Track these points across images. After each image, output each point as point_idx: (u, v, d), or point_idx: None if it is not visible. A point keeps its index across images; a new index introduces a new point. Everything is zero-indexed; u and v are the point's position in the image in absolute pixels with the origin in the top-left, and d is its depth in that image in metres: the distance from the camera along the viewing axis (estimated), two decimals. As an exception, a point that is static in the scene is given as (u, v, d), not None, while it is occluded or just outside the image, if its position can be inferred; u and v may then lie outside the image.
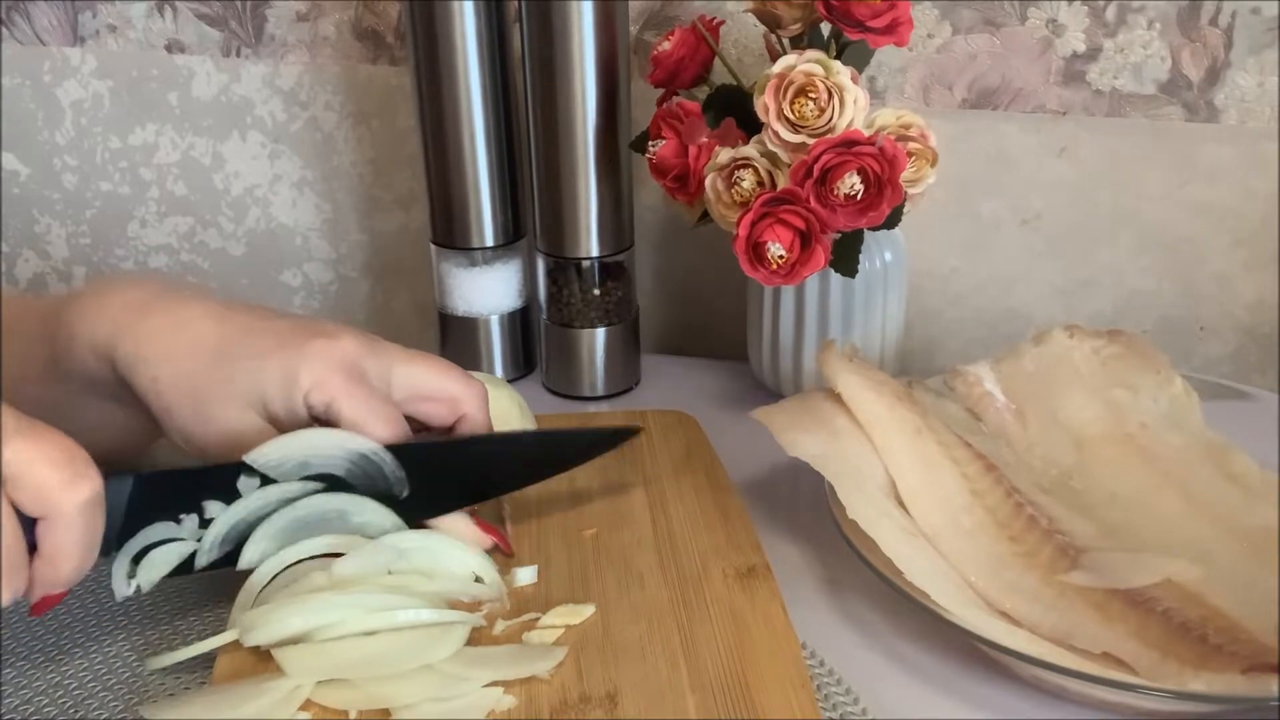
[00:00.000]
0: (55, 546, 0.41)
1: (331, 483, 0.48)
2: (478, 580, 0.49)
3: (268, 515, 0.48)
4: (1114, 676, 0.44)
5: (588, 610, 0.48)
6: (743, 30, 0.75)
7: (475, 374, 0.60)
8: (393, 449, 0.49)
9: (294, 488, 0.48)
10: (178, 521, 0.47)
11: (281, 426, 0.49)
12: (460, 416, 0.52)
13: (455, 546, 0.50)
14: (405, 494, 0.49)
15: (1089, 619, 0.47)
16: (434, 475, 0.50)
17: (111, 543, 0.45)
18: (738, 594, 0.49)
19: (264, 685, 0.43)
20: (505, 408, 0.58)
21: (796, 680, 0.44)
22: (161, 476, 0.47)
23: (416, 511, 0.50)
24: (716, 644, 0.46)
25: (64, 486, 0.40)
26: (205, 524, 0.47)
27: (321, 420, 0.49)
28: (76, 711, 0.46)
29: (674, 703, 0.43)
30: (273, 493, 0.48)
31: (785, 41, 0.63)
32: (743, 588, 0.49)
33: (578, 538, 0.54)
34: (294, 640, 0.45)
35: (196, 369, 0.48)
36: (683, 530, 0.54)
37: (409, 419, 0.51)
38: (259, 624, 0.45)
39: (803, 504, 0.61)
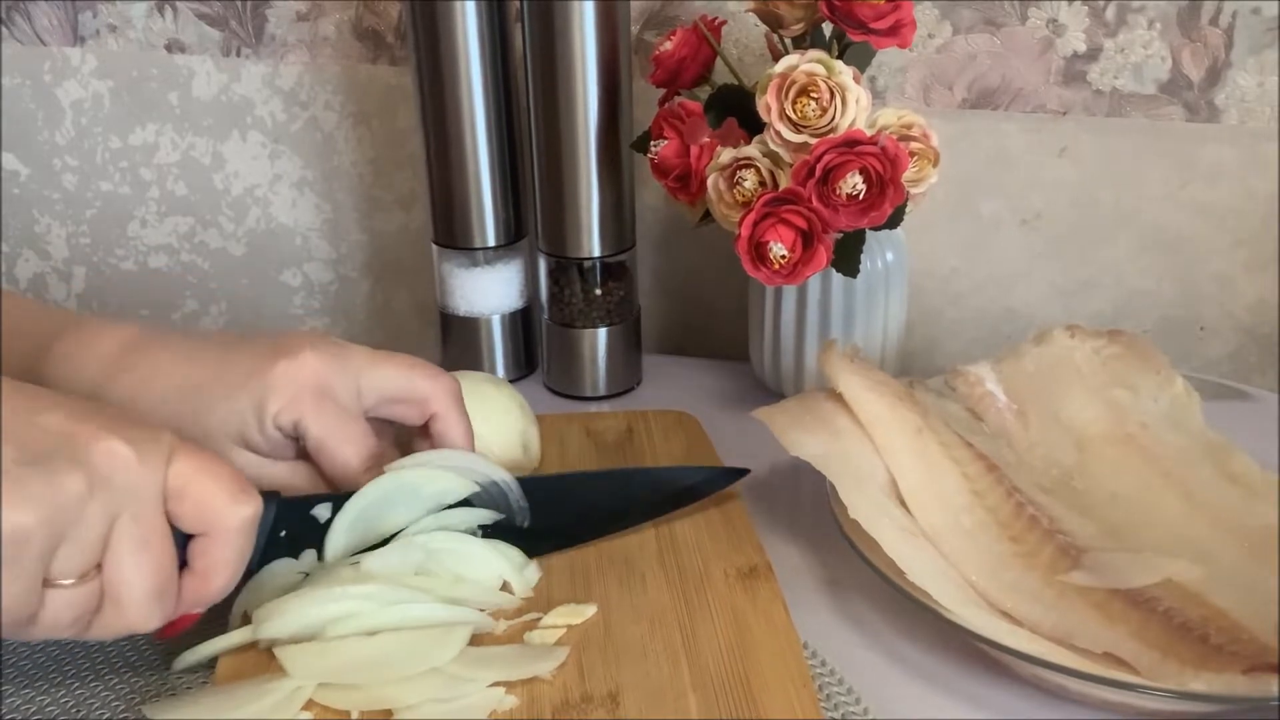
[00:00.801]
0: (211, 563, 0.41)
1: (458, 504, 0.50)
2: (504, 588, 0.49)
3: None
4: (1115, 676, 0.44)
5: (589, 610, 0.48)
6: (744, 30, 0.75)
7: (474, 374, 0.60)
8: (521, 481, 0.51)
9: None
10: (295, 557, 0.48)
11: (264, 454, 0.49)
12: (431, 415, 0.52)
13: (487, 551, 0.49)
14: (527, 524, 0.51)
15: (1090, 619, 0.47)
16: (554, 508, 0.52)
17: (253, 565, 0.45)
18: (739, 594, 0.49)
19: (266, 686, 0.43)
20: (506, 407, 0.58)
21: (798, 680, 0.44)
22: (301, 504, 0.48)
23: (535, 543, 0.51)
24: (718, 643, 0.46)
25: (230, 503, 0.41)
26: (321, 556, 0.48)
27: (294, 440, 0.49)
28: (78, 711, 0.46)
29: (675, 702, 0.43)
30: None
31: (787, 41, 0.63)
32: (744, 588, 0.50)
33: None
34: (308, 636, 0.45)
35: (174, 417, 0.48)
36: (684, 530, 0.54)
37: (385, 420, 0.52)
38: (274, 615, 0.45)
39: (804, 504, 0.61)
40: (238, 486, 0.41)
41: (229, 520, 0.41)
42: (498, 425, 0.57)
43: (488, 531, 0.51)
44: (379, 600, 0.46)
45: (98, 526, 0.38)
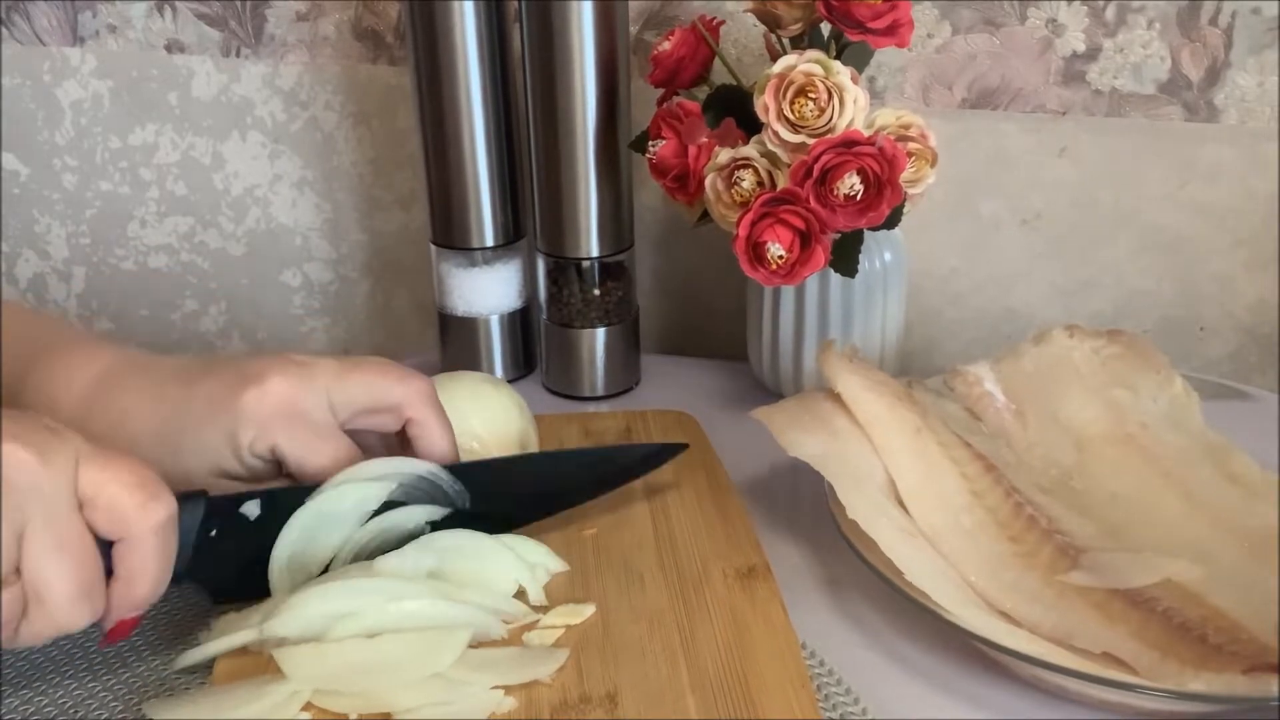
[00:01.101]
0: (132, 568, 0.41)
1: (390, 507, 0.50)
2: (518, 595, 0.49)
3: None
4: (1114, 676, 0.44)
5: (588, 610, 0.48)
6: (743, 30, 0.75)
7: (473, 374, 0.60)
8: (450, 469, 0.50)
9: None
10: (227, 556, 0.47)
11: (248, 481, 0.49)
12: (407, 420, 0.51)
13: (504, 553, 0.49)
14: (467, 505, 0.51)
15: (1089, 619, 0.47)
16: (493, 491, 0.52)
17: (184, 565, 0.45)
18: (738, 594, 0.49)
19: (265, 689, 0.43)
20: (505, 408, 0.58)
21: (797, 680, 0.44)
22: (229, 502, 0.47)
23: (483, 527, 0.51)
24: (716, 644, 0.46)
25: (139, 508, 0.41)
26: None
27: (275, 464, 0.49)
28: (77, 712, 0.46)
29: (674, 703, 0.43)
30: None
31: (785, 41, 0.63)
32: (743, 588, 0.49)
33: (578, 538, 0.54)
34: (313, 634, 0.45)
35: (152, 459, 0.47)
36: (683, 530, 0.54)
37: (366, 432, 0.52)
38: (281, 611, 0.45)
39: (803, 504, 0.61)
40: (148, 491, 0.41)
41: (141, 525, 0.41)
42: (496, 425, 0.57)
43: (436, 526, 0.50)
44: (384, 595, 0.46)
45: (6, 532, 0.38)
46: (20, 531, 0.38)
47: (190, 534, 0.45)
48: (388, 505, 0.49)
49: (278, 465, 0.49)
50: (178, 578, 0.45)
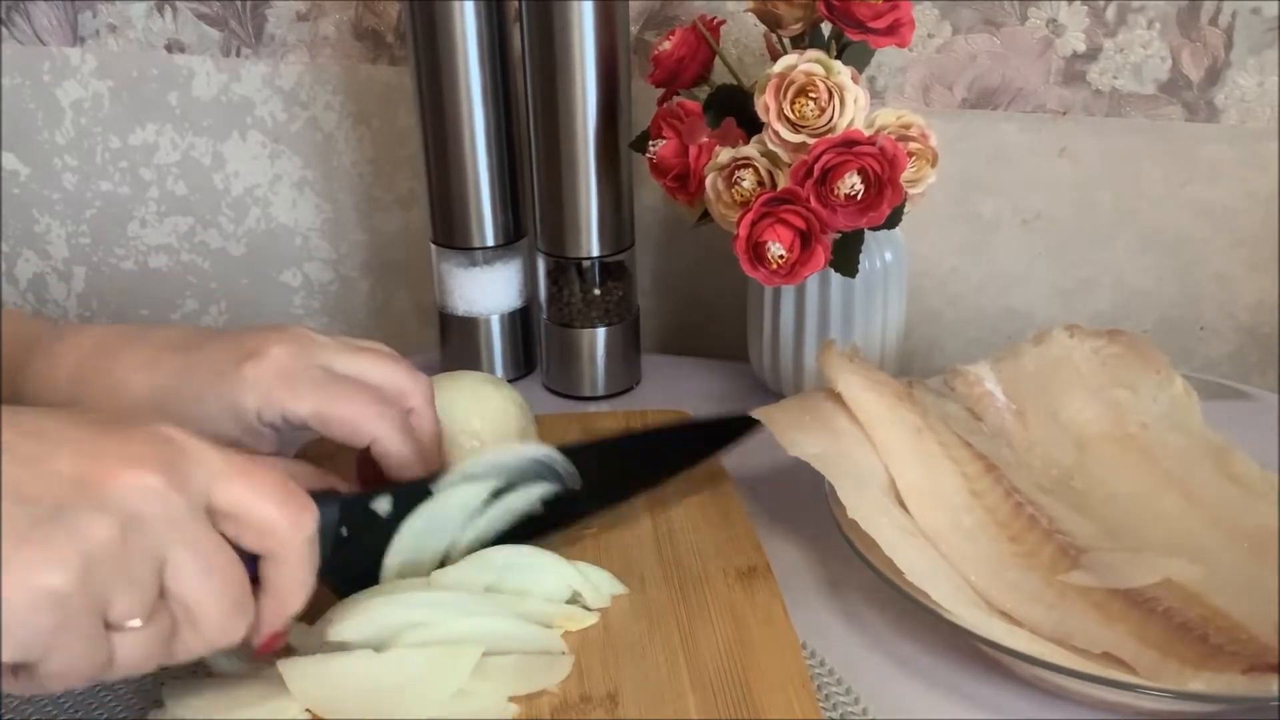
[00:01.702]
0: (284, 584, 0.40)
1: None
2: (573, 600, 0.49)
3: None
4: (1114, 676, 0.44)
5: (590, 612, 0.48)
6: (743, 30, 0.75)
7: (473, 373, 0.60)
8: (560, 449, 0.52)
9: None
10: (360, 553, 0.47)
11: (251, 447, 0.48)
12: (409, 410, 0.51)
13: (557, 564, 0.49)
14: (579, 485, 0.52)
15: (1089, 619, 0.47)
16: (600, 472, 0.53)
17: (322, 567, 0.43)
18: (738, 594, 0.49)
19: (267, 704, 0.43)
20: (504, 408, 0.58)
21: (797, 680, 0.44)
22: (359, 499, 0.47)
23: (591, 505, 0.54)
24: (717, 644, 0.46)
25: (291, 525, 0.39)
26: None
27: (281, 431, 0.49)
28: (77, 712, 0.46)
29: (674, 702, 0.43)
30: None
31: (786, 41, 0.63)
32: (743, 587, 0.49)
33: (578, 537, 0.54)
34: (378, 641, 0.44)
35: (133, 405, 0.48)
36: (683, 530, 0.54)
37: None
38: (347, 616, 0.44)
39: (803, 504, 0.61)
40: (296, 504, 0.39)
41: (293, 541, 0.39)
42: (496, 425, 0.57)
43: (550, 507, 0.51)
44: (454, 609, 0.45)
45: (145, 564, 0.35)
46: (161, 562, 0.36)
47: (328, 537, 0.43)
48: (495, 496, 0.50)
49: (277, 434, 0.49)
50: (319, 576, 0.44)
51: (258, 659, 0.43)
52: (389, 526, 0.48)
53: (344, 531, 0.46)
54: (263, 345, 0.48)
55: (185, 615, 0.37)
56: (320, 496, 0.42)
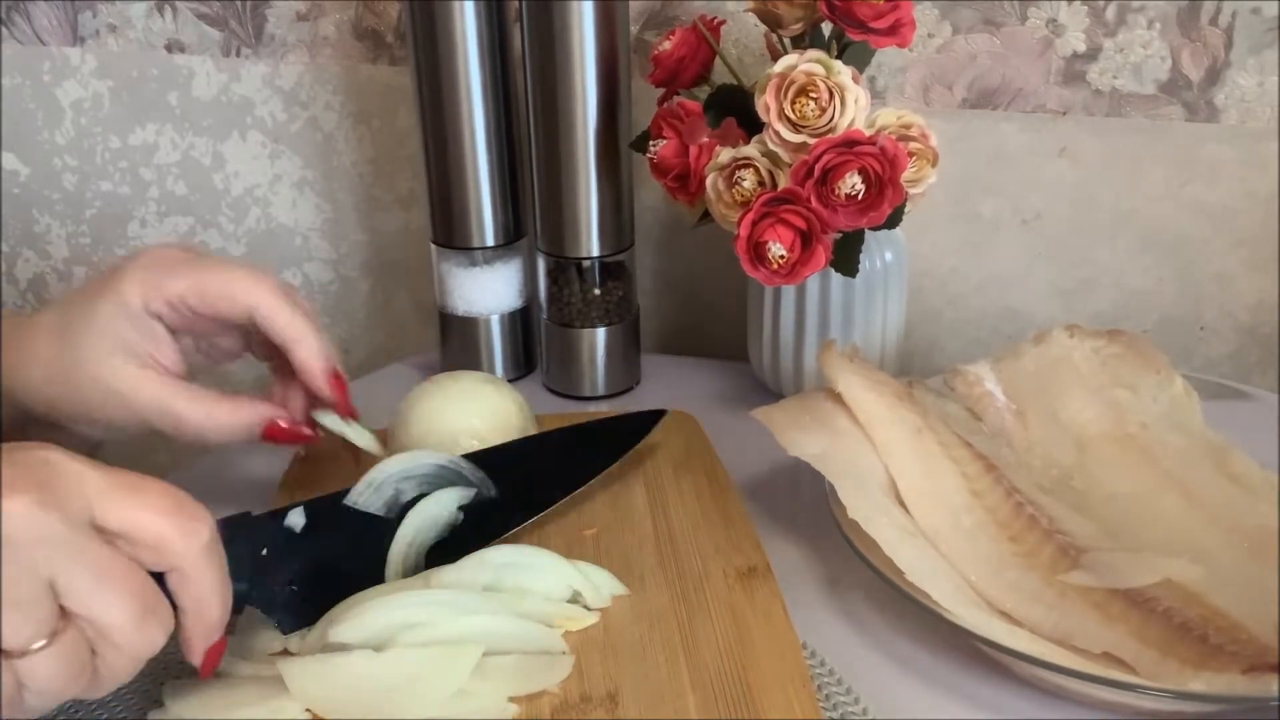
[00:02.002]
0: (194, 596, 0.39)
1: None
2: (573, 600, 0.49)
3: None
4: (1114, 676, 0.44)
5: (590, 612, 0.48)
6: (744, 30, 0.75)
7: (473, 373, 0.60)
8: (466, 457, 0.52)
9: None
10: (280, 573, 0.46)
11: (158, 365, 0.51)
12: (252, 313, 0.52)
13: (556, 564, 0.49)
14: (493, 493, 0.52)
15: (1089, 619, 0.47)
16: (513, 476, 0.53)
17: (244, 591, 0.43)
18: (738, 594, 0.49)
19: (267, 703, 0.43)
20: (503, 407, 0.58)
21: (797, 680, 0.44)
22: (272, 517, 0.47)
23: (512, 512, 0.53)
24: (717, 643, 0.46)
25: (181, 534, 0.38)
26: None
27: (174, 323, 0.52)
28: (76, 712, 0.46)
29: (674, 702, 0.43)
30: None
31: (786, 41, 0.63)
32: (743, 587, 0.49)
33: (578, 537, 0.54)
34: (377, 642, 0.44)
35: (51, 355, 0.51)
36: (683, 530, 0.54)
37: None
38: (345, 618, 0.44)
39: (803, 504, 0.61)
40: (185, 514, 0.38)
41: (189, 552, 0.38)
42: (495, 424, 0.57)
43: (468, 513, 0.51)
44: (455, 609, 0.45)
45: (28, 586, 0.35)
46: (50, 582, 0.35)
47: (243, 559, 0.43)
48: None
49: (188, 321, 0.52)
50: (240, 605, 0.43)
51: (204, 678, 0.43)
52: (310, 542, 0.47)
53: (264, 550, 0.46)
54: (131, 255, 0.52)
55: (95, 631, 0.36)
56: (231, 518, 0.43)
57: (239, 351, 0.57)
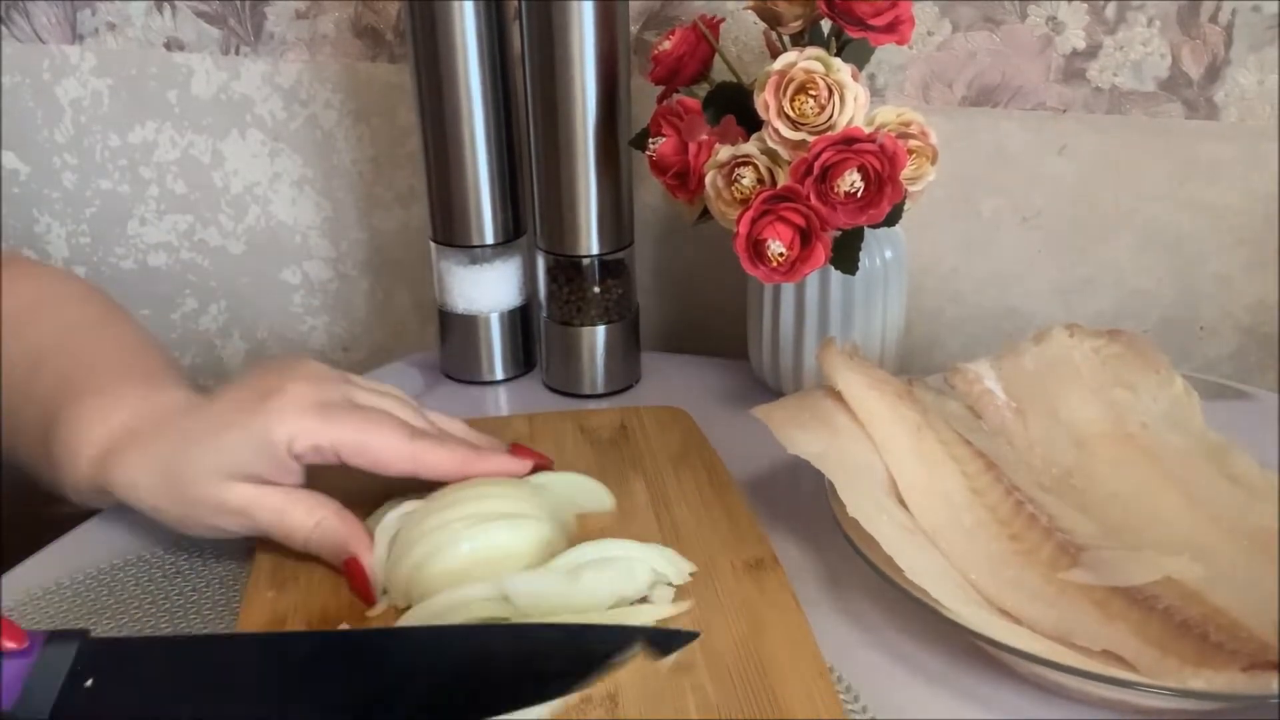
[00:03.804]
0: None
1: None
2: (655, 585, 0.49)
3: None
4: (1114, 674, 0.44)
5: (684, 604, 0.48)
6: (743, 28, 0.75)
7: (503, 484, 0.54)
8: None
9: None
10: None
11: (272, 482, 0.50)
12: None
13: (638, 551, 0.49)
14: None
15: (1089, 617, 0.47)
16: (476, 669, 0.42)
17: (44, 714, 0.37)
18: (748, 586, 0.49)
19: None
20: (529, 524, 0.51)
21: (814, 670, 0.44)
22: (116, 644, 0.42)
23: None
24: (731, 635, 0.46)
25: None
26: None
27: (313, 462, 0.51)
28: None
29: (693, 695, 0.43)
30: None
31: (786, 39, 0.63)
32: (753, 580, 0.50)
33: (581, 538, 0.54)
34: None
35: (166, 460, 0.50)
36: (687, 525, 0.54)
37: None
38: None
39: (803, 502, 0.61)
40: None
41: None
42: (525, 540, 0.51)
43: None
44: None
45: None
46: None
47: (54, 679, 0.38)
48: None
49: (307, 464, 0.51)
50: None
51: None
52: (159, 688, 0.40)
53: (88, 681, 0.39)
54: (282, 382, 0.50)
55: None
56: (56, 633, 0.39)
57: None
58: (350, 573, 0.49)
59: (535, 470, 0.55)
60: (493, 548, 0.48)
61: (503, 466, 0.53)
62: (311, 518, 0.50)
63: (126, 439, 0.51)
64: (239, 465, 0.49)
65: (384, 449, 0.50)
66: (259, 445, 0.49)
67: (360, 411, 0.50)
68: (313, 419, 0.49)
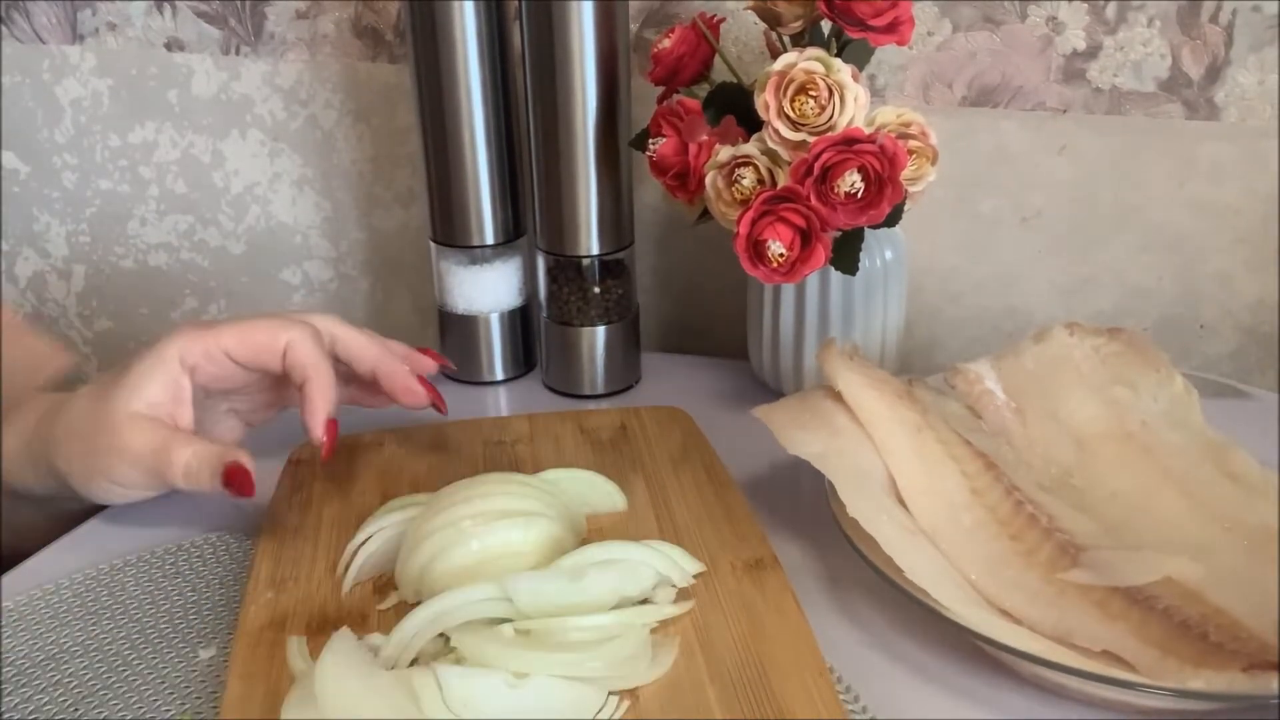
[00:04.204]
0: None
1: None
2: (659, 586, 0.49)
3: None
4: (1114, 674, 0.44)
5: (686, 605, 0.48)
6: (743, 28, 0.75)
7: (509, 478, 0.54)
8: None
9: None
10: None
11: (183, 413, 0.55)
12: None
13: (639, 552, 0.49)
14: None
15: (1089, 617, 0.47)
16: None
17: None
18: (748, 586, 0.49)
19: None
20: (555, 536, 0.51)
21: (814, 669, 0.44)
22: None
23: None
24: (731, 636, 0.46)
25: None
26: None
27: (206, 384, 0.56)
28: (76, 711, 0.46)
29: (694, 695, 0.43)
30: None
31: (786, 39, 0.63)
32: (752, 580, 0.50)
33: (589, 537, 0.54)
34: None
35: (81, 423, 0.55)
36: (687, 525, 0.54)
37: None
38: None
39: (803, 502, 0.61)
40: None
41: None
42: (534, 538, 0.51)
43: None
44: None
45: None
46: None
47: None
48: None
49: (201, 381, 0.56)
50: None
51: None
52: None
53: None
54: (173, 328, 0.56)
55: None
56: None
57: (274, 404, 0.62)
58: (231, 477, 0.52)
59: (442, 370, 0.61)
60: (502, 546, 0.49)
61: (412, 359, 0.60)
62: (189, 447, 0.53)
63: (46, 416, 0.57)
64: (141, 394, 0.54)
65: (264, 331, 0.55)
66: (154, 364, 0.54)
67: (242, 318, 0.56)
68: (197, 330, 0.55)
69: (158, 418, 0.54)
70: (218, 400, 0.60)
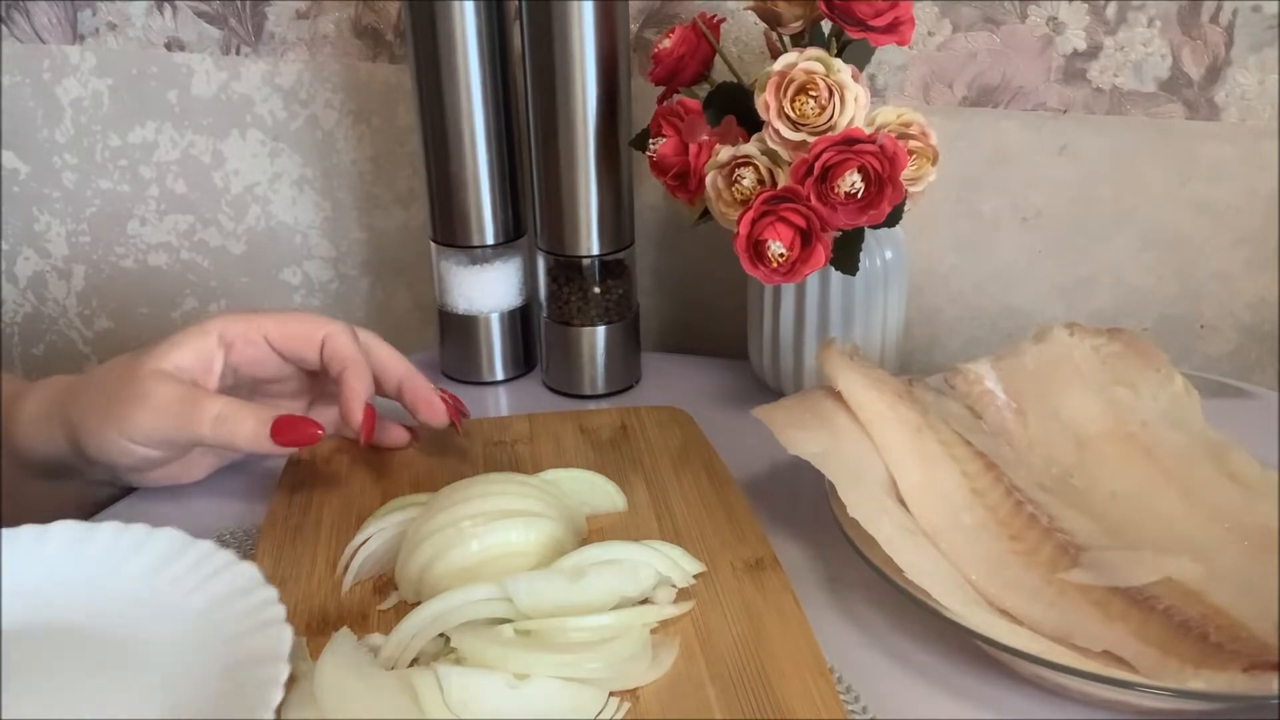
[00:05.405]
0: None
1: None
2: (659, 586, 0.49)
3: None
4: (1114, 674, 0.44)
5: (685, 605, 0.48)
6: (743, 28, 0.75)
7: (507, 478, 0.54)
8: None
9: None
10: None
11: (209, 382, 0.57)
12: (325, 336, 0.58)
13: (639, 552, 0.49)
14: None
15: (1089, 617, 0.47)
16: None
17: None
18: (748, 586, 0.49)
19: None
20: (540, 521, 0.51)
21: (815, 669, 0.44)
22: None
23: None
24: (731, 635, 0.46)
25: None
26: None
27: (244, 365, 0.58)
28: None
29: (694, 695, 0.43)
30: None
31: (786, 39, 0.63)
32: (752, 580, 0.50)
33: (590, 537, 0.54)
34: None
35: (105, 376, 0.56)
36: (687, 524, 0.54)
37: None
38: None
39: (803, 502, 0.61)
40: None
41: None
42: (534, 539, 0.51)
43: None
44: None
45: None
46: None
47: None
48: None
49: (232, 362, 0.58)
50: None
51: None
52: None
53: None
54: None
55: None
56: None
57: (294, 408, 0.63)
58: (281, 427, 0.54)
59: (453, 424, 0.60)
60: (502, 546, 0.49)
61: (431, 403, 0.60)
62: (221, 399, 0.55)
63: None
64: (171, 357, 0.55)
65: (305, 322, 0.58)
66: (192, 334, 0.56)
67: (276, 308, 0.59)
68: (241, 312, 0.58)
69: (183, 380, 0.55)
70: (243, 391, 0.60)
